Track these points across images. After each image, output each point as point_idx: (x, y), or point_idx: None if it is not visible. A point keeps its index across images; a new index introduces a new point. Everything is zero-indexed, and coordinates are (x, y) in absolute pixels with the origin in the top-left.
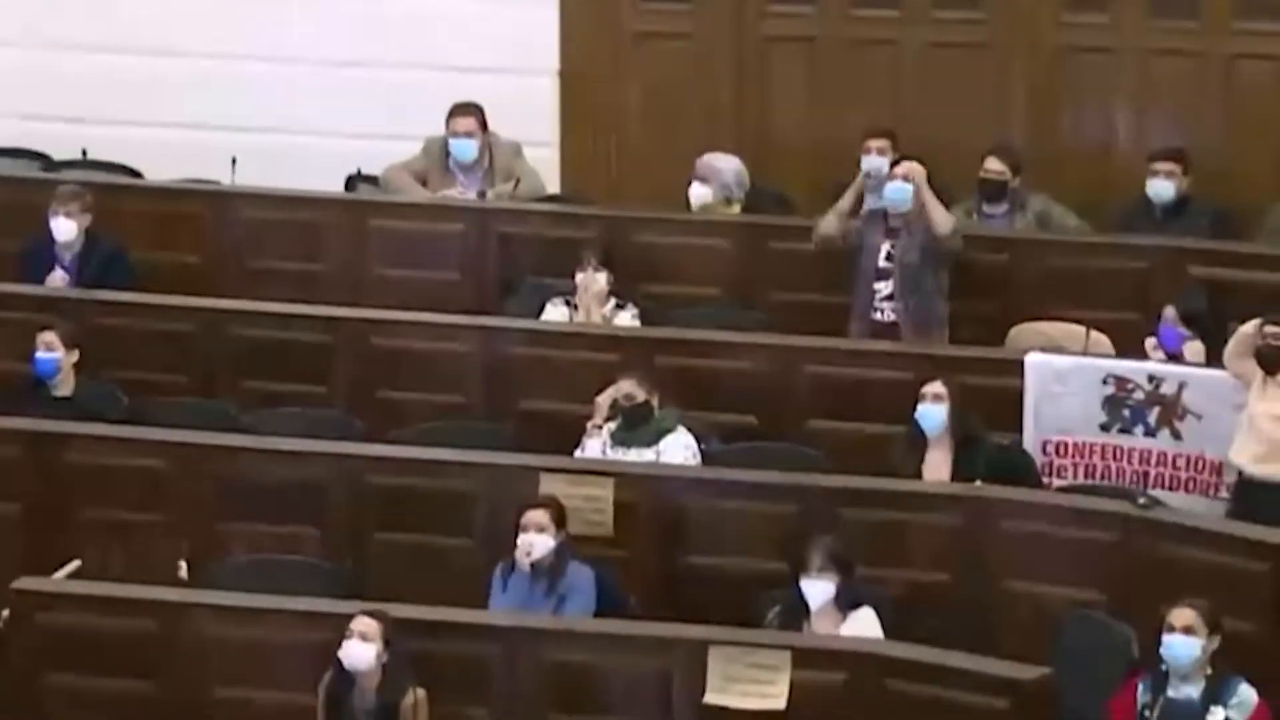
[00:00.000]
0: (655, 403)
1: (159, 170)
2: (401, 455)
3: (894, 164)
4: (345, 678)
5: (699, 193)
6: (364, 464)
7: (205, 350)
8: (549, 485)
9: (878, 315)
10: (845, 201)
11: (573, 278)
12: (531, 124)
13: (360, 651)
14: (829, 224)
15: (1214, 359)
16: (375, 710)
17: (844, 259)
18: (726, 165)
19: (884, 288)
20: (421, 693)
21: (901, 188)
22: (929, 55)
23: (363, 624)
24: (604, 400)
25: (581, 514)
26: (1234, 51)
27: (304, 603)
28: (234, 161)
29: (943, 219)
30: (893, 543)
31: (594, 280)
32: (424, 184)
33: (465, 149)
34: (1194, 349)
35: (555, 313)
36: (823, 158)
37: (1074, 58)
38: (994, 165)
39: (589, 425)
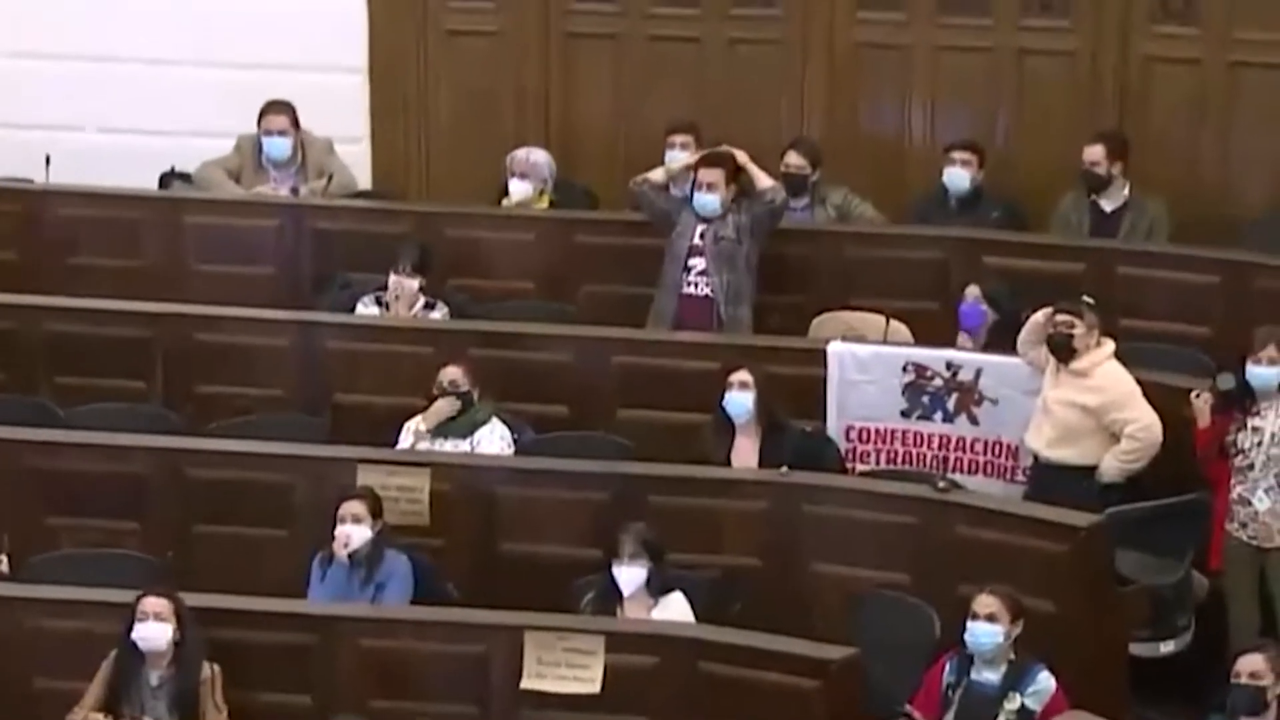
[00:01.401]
0: (476, 395)
1: None
2: (220, 448)
3: (700, 162)
4: (133, 659)
5: (521, 189)
6: (183, 457)
7: (25, 346)
8: (366, 476)
9: (690, 290)
10: (676, 166)
11: (387, 275)
12: (343, 121)
13: (156, 631)
14: (657, 173)
15: (1009, 346)
16: (171, 688)
17: (650, 257)
18: (542, 159)
19: (699, 263)
20: (216, 668)
21: (707, 199)
22: (729, 52)
23: (154, 604)
24: (440, 407)
25: (398, 504)
26: (1022, 46)
27: (125, 595)
28: (47, 160)
29: (764, 179)
30: (703, 528)
31: (405, 286)
32: (237, 181)
33: (278, 146)
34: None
35: (367, 311)
36: (627, 152)
37: (869, 54)
38: (794, 160)
39: (410, 426)
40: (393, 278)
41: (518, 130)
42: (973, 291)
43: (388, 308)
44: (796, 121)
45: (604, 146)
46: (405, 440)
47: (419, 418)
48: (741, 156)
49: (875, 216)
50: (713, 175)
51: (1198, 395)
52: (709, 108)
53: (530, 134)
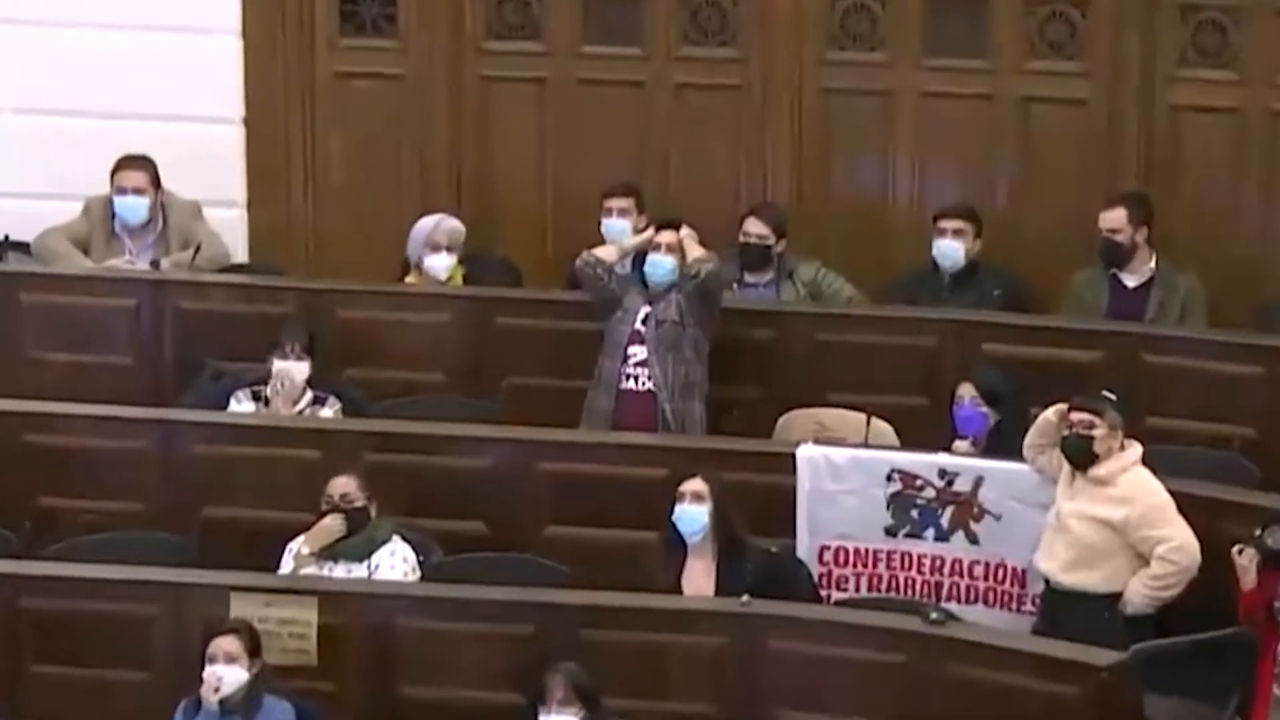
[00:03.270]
0: (373, 510)
1: None
2: (64, 573)
3: (658, 228)
4: None
5: (446, 264)
6: (19, 584)
7: None
8: (241, 607)
9: (629, 384)
10: (631, 241)
11: (266, 363)
12: (213, 180)
13: None
14: (608, 251)
15: (1014, 450)
16: None
17: (585, 343)
18: (458, 225)
19: (639, 352)
20: None
21: (664, 261)
22: (677, 99)
23: None
24: (328, 526)
25: (280, 640)
26: (1026, 93)
27: None
28: None
29: (694, 249)
30: (648, 668)
31: (291, 372)
32: (86, 252)
33: (133, 209)
34: None
35: (241, 408)
36: (555, 219)
37: (844, 102)
38: (755, 228)
39: (294, 548)
40: (276, 363)
41: (424, 193)
42: (967, 392)
43: (267, 403)
44: (758, 182)
45: (527, 212)
46: (288, 564)
47: (304, 537)
48: (687, 243)
49: (853, 295)
50: (673, 237)
51: (1240, 551)
52: (653, 166)
53: (439, 197)
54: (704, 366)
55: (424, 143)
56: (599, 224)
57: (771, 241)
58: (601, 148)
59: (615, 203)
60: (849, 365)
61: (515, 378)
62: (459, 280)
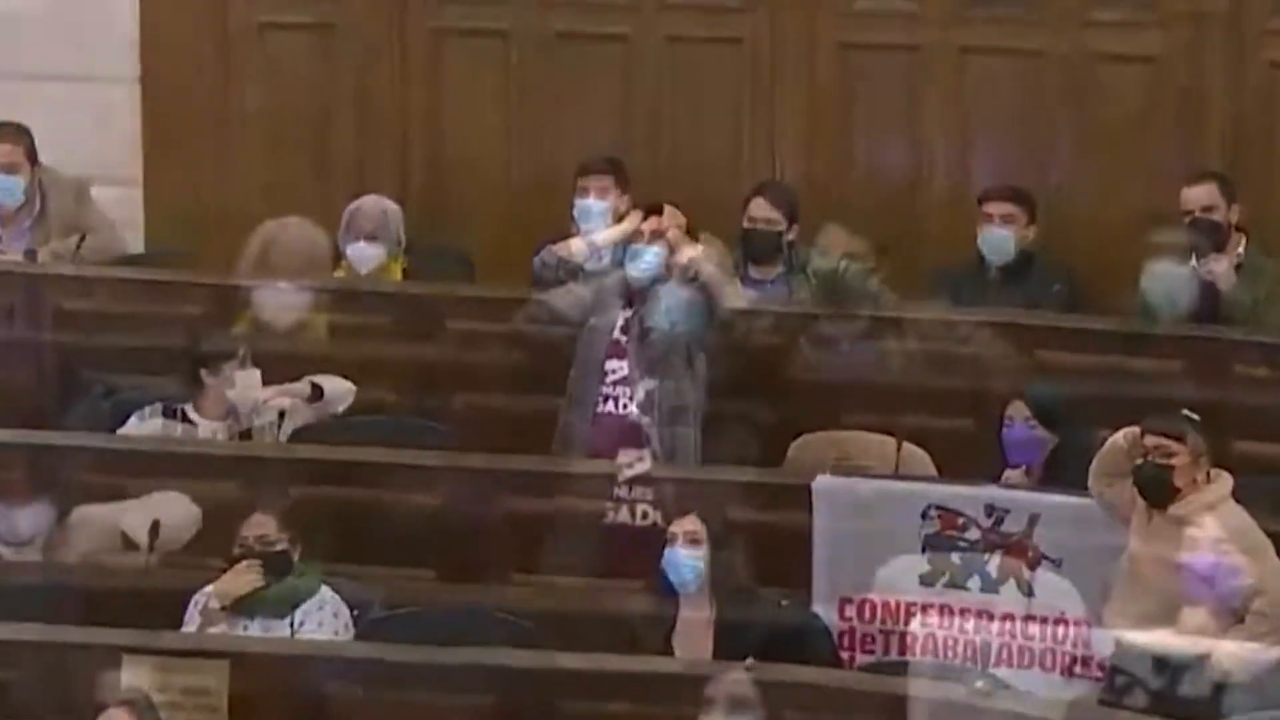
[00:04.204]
0: (297, 553)
1: None
2: None
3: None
4: None
5: (370, 255)
6: None
7: None
8: (134, 673)
9: (608, 406)
10: (606, 234)
11: (197, 383)
12: (103, 153)
13: None
14: (574, 246)
15: (1077, 480)
16: None
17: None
18: (391, 209)
19: (618, 368)
20: None
21: (647, 253)
22: (669, 55)
23: None
24: (241, 574)
25: (183, 713)
26: (1088, 49)
27: None
28: None
29: (688, 248)
30: None
31: (248, 380)
32: None
33: (5, 189)
34: None
35: (146, 428)
36: (519, 201)
37: (868, 59)
38: (762, 211)
39: (204, 602)
40: (237, 372)
41: (361, 167)
42: (1019, 411)
43: (184, 417)
44: (765, 156)
45: (486, 192)
46: (194, 620)
47: (213, 588)
48: (677, 234)
49: (880, 293)
50: (657, 223)
51: None
52: (638, 137)
53: (381, 174)
54: (700, 386)
55: (361, 108)
56: (572, 207)
57: (782, 227)
58: (576, 115)
59: (592, 181)
60: (875, 379)
61: (471, 395)
62: (398, 274)
